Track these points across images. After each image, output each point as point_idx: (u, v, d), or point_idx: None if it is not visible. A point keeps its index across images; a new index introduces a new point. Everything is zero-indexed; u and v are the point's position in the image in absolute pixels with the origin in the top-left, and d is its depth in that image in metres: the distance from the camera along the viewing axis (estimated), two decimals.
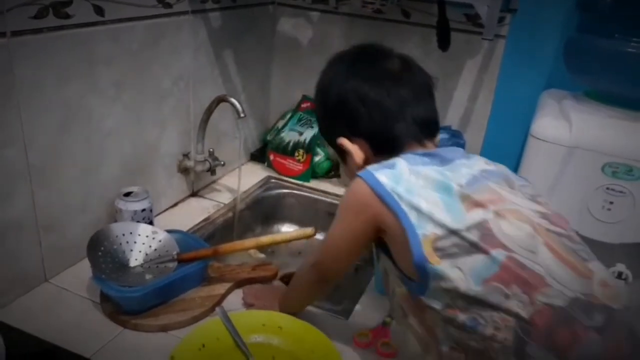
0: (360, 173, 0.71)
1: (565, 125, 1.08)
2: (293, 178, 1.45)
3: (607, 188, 1.05)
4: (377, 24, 1.38)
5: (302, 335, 0.83)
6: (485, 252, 0.62)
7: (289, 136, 1.47)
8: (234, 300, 0.94)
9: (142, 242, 0.96)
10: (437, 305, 0.64)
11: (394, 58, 0.79)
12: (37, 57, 0.83)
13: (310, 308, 0.91)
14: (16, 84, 0.80)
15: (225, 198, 1.32)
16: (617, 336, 0.59)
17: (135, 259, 0.94)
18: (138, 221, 1.02)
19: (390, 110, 0.74)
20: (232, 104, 1.14)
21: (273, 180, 1.45)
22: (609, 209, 1.06)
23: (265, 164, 1.51)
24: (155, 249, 0.96)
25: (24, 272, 0.90)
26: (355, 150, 0.77)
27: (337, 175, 1.46)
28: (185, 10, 1.13)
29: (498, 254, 0.61)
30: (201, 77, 1.24)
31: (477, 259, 0.62)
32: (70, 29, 0.87)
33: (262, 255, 1.26)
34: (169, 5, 1.08)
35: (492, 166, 0.74)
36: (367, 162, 0.76)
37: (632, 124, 1.07)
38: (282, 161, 1.47)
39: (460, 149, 0.77)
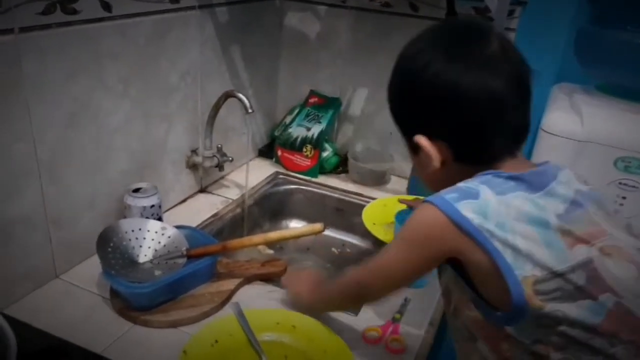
0: (434, 200, 0.62)
1: (576, 120, 1.06)
2: (301, 174, 1.44)
3: (620, 183, 1.04)
4: (384, 17, 1.36)
5: (315, 334, 0.83)
6: (592, 297, 0.57)
7: (297, 132, 1.46)
8: (243, 296, 0.94)
9: (151, 238, 0.96)
10: (525, 339, 0.59)
11: (495, 42, 0.65)
12: (44, 53, 0.83)
13: None
14: (24, 80, 0.80)
15: (234, 194, 1.32)
16: None
17: (145, 255, 0.94)
18: (147, 217, 1.02)
19: (490, 118, 0.64)
20: (240, 100, 1.14)
21: (281, 176, 1.45)
22: (621, 204, 1.05)
23: (273, 159, 1.51)
24: (165, 245, 0.96)
25: (34, 267, 0.90)
26: (435, 155, 0.67)
27: (345, 171, 1.45)
28: (192, 5, 1.12)
29: (606, 299, 0.57)
30: (208, 72, 1.23)
31: (583, 305, 0.57)
32: (78, 24, 0.87)
33: (270, 251, 1.26)
34: (176, 0, 1.07)
35: (583, 185, 0.67)
36: (444, 164, 0.67)
37: None
38: (290, 157, 1.47)
39: (549, 163, 0.69)
